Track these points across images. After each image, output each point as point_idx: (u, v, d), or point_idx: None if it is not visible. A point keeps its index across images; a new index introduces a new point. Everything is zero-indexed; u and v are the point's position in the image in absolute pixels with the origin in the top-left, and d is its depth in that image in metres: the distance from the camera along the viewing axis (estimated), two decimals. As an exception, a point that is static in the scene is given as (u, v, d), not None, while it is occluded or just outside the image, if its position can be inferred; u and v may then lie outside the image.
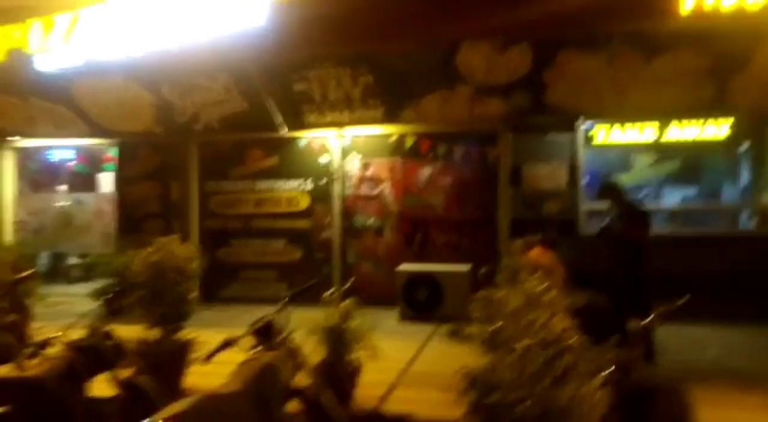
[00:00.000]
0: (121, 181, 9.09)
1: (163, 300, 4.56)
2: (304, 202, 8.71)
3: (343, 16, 6.68)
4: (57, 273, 10.93)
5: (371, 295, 8.18)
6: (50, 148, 10.46)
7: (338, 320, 4.30)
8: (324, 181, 8.60)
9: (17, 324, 4.02)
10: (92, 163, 11.14)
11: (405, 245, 8.34)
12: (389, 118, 7.71)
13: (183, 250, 4.73)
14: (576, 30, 6.31)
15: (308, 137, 8.59)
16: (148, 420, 2.17)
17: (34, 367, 3.21)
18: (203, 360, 3.18)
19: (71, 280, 10.46)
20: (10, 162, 9.90)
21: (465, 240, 8.14)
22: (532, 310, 2.34)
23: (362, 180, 8.50)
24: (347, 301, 4.38)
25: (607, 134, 8.14)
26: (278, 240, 8.80)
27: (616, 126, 8.19)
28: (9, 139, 9.40)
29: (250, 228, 8.90)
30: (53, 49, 7.63)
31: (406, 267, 7.70)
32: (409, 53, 6.84)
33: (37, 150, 10.31)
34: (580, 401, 2.10)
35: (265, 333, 3.40)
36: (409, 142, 8.30)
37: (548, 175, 7.84)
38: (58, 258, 10.95)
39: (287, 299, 3.56)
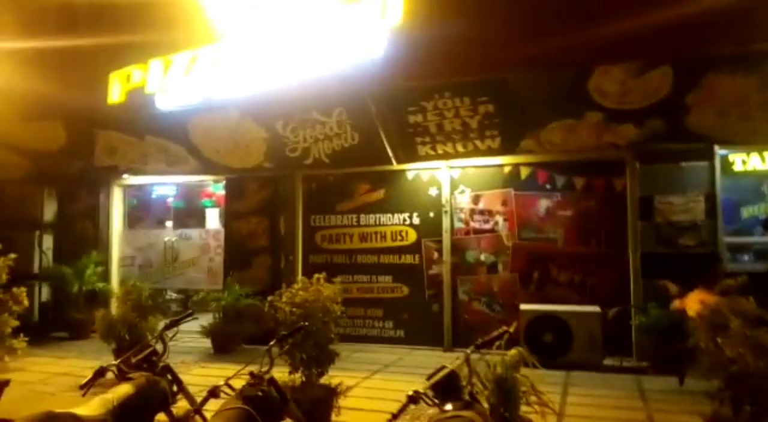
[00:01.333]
0: (228, 216, 9.11)
1: (311, 342, 4.30)
2: (411, 237, 8.42)
3: (466, 42, 6.47)
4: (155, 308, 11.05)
5: (485, 336, 7.82)
6: (153, 184, 10.70)
7: (506, 369, 3.91)
8: (432, 214, 8.30)
9: (169, 367, 3.82)
10: (190, 199, 11.34)
11: (521, 282, 7.86)
12: (506, 148, 7.37)
13: (328, 289, 4.48)
14: (725, 50, 5.82)
15: (416, 169, 8.36)
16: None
17: (213, 420, 2.97)
18: (390, 420, 2.88)
19: (169, 316, 10.52)
20: (119, 198, 10.18)
21: (589, 277, 7.57)
22: None
23: (473, 213, 8.14)
24: (515, 350, 3.98)
25: (746, 162, 7.50)
26: (384, 276, 8.51)
27: (754, 153, 7.57)
28: (122, 176, 9.65)
29: (355, 263, 8.67)
30: (171, 88, 7.77)
31: (528, 306, 7.20)
32: (535, 80, 6.50)
33: (138, 186, 10.55)
34: None
35: (446, 387, 3.06)
36: (524, 172, 7.90)
37: (683, 205, 7.22)
38: (156, 293, 11.08)
39: (471, 351, 3.23)
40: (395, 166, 8.26)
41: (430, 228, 8.31)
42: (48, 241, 10.10)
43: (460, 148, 7.50)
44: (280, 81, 7.29)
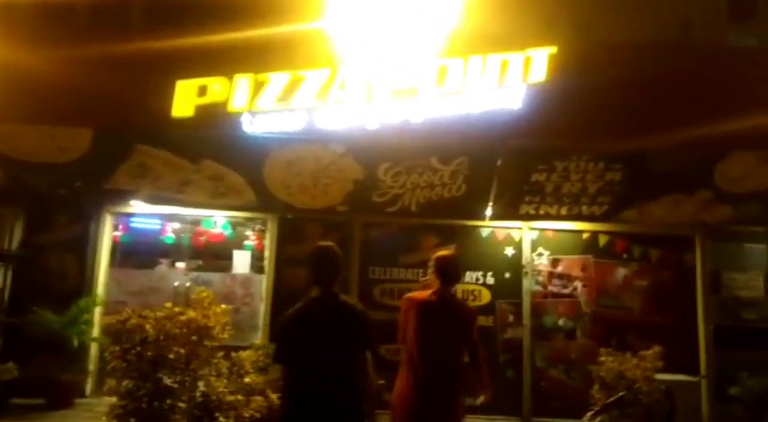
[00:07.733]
0: (280, 262, 7.86)
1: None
2: (485, 297, 8.02)
3: (614, 108, 6.60)
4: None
5: (561, 406, 7.59)
6: (145, 215, 8.82)
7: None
8: (508, 274, 8.03)
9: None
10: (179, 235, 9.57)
11: (599, 349, 7.85)
12: (607, 216, 7.49)
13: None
14: None
15: (491, 227, 8.09)
16: None
17: None
18: None
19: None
20: (108, 229, 8.27)
21: (664, 346, 7.82)
22: None
23: (552, 276, 8.04)
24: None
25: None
26: (453, 339, 7.93)
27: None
28: (128, 202, 7.89)
29: (420, 323, 7.97)
30: (265, 111, 6.67)
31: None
32: (672, 154, 6.77)
33: (127, 217, 8.68)
34: None
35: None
36: (602, 240, 8.07)
37: (745, 282, 7.92)
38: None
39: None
40: (469, 222, 7.97)
41: (505, 290, 8.01)
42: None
43: (563, 211, 7.44)
44: (405, 121, 6.67)
